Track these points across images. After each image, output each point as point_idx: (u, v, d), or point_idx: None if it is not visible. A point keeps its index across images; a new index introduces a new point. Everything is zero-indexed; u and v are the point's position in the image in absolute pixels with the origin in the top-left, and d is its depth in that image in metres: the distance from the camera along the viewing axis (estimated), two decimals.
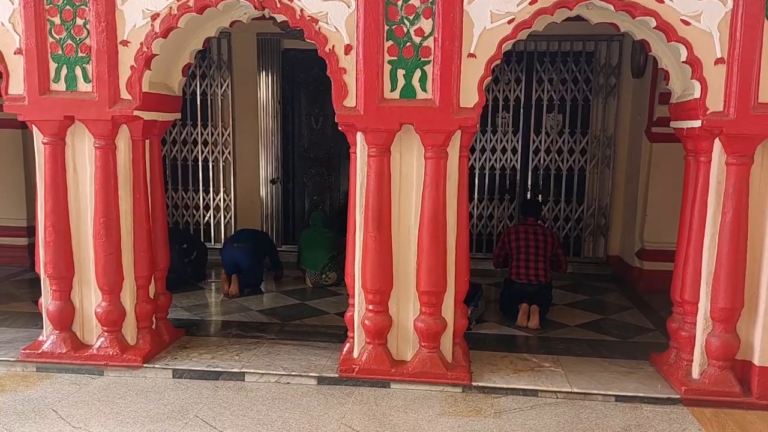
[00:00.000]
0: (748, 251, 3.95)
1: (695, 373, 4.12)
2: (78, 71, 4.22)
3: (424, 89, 4.00)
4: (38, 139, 4.35)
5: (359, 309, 4.29)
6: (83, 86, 4.23)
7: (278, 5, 4.02)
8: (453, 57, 3.91)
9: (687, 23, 3.76)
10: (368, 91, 3.99)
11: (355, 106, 4.04)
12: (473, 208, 7.64)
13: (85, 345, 4.52)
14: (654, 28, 3.84)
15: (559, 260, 5.85)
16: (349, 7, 3.97)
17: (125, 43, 4.17)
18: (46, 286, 4.48)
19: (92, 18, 4.13)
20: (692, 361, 4.15)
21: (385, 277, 4.17)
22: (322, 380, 4.30)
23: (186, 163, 7.99)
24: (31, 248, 5.80)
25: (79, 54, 4.20)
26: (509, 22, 3.88)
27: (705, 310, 4.05)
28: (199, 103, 7.82)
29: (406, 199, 4.16)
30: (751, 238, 3.95)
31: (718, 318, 3.99)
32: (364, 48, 3.96)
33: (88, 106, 4.21)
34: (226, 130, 7.86)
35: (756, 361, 4.03)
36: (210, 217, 8.05)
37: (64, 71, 4.23)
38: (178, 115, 4.98)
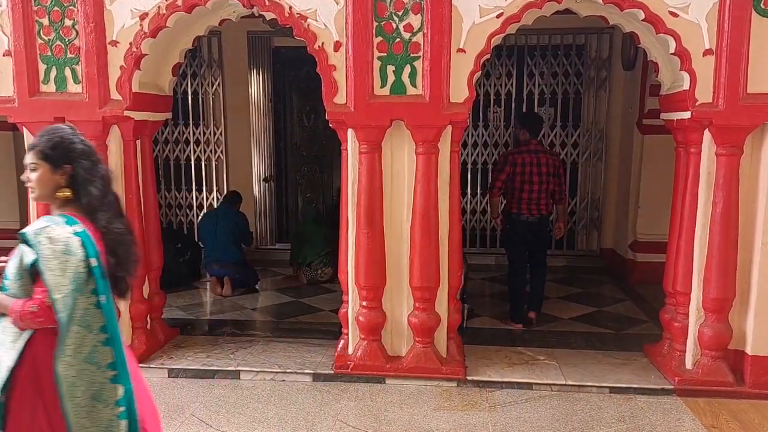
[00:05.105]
0: (739, 241, 3.97)
1: (688, 363, 4.14)
2: (67, 72, 4.21)
3: (414, 85, 4.00)
4: (28, 141, 4.33)
5: (353, 305, 4.30)
6: (73, 87, 4.22)
7: (267, 3, 4.01)
8: (442, 52, 3.91)
9: (675, 15, 3.77)
10: (358, 87, 3.99)
11: (346, 103, 4.04)
12: (466, 203, 7.63)
13: None
14: (642, 20, 3.85)
15: (561, 189, 5.39)
16: (337, 3, 3.96)
17: (114, 43, 4.16)
18: None
19: (81, 19, 4.12)
20: (685, 351, 4.17)
21: (378, 274, 4.18)
22: (317, 377, 4.31)
23: (178, 162, 7.96)
24: None
25: (68, 55, 4.19)
26: (498, 16, 3.88)
27: (697, 300, 4.06)
28: (190, 102, 7.79)
29: (398, 195, 4.16)
30: (742, 229, 3.97)
31: (711, 308, 4.01)
32: (353, 45, 3.96)
33: (78, 107, 4.20)
34: (218, 129, 7.84)
35: (749, 351, 4.05)
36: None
37: (53, 72, 4.21)
38: (169, 115, 4.97)
